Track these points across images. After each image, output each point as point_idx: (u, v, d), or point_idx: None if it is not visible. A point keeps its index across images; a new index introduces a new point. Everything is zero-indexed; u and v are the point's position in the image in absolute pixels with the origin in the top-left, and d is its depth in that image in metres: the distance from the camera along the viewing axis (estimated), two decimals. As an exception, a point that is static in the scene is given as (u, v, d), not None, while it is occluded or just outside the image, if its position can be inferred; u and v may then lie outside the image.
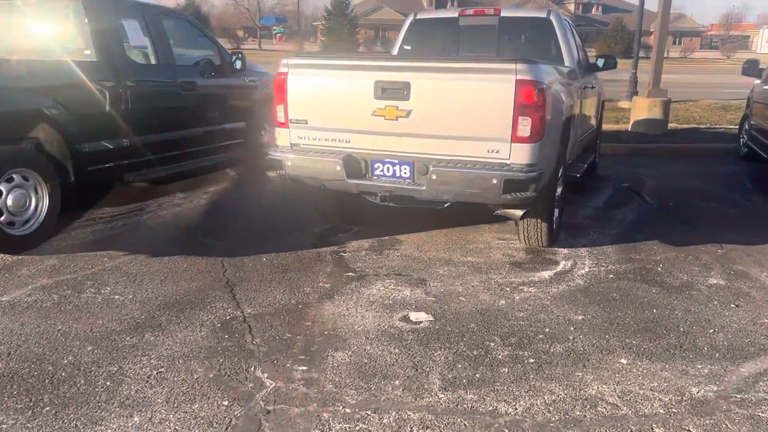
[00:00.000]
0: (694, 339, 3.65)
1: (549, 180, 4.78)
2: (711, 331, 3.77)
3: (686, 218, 6.34)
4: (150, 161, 6.02)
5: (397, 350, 3.44)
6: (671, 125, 12.16)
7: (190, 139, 6.52)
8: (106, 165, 5.61)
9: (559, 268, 4.82)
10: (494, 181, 4.25)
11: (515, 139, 4.27)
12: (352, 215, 5.79)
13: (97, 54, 5.55)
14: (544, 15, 6.18)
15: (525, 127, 4.23)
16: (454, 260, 4.94)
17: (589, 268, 4.82)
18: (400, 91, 4.45)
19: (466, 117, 4.36)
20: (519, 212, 4.63)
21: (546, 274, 4.69)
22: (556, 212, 5.32)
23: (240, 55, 7.34)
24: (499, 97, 4.25)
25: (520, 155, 4.30)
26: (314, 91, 4.76)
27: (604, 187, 7.77)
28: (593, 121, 7.66)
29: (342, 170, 4.62)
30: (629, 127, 12.03)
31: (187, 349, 3.42)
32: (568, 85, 5.37)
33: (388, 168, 4.66)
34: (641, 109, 11.70)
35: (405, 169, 4.61)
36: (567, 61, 6.08)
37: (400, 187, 4.55)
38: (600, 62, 7.58)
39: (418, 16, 6.73)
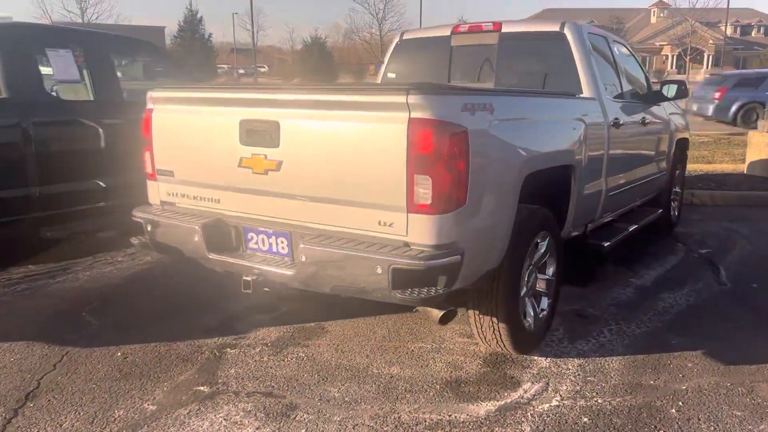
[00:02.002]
0: None
1: (494, 265, 3.22)
2: None
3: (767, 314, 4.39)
4: (74, 213, 5.10)
5: None
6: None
7: (126, 187, 5.54)
8: (13, 217, 4.74)
9: (514, 396, 3.21)
10: (378, 270, 2.78)
11: (411, 207, 2.79)
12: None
13: (5, 90, 4.73)
14: (556, 28, 4.57)
15: (424, 190, 2.74)
16: (369, 371, 3.47)
17: (561, 400, 3.17)
18: (268, 134, 3.13)
19: (348, 172, 2.95)
20: (437, 312, 3.09)
21: (485, 407, 3.10)
22: (532, 306, 3.69)
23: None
24: (386, 144, 2.81)
25: (420, 232, 2.81)
26: (179, 133, 3.55)
27: (672, 253, 5.85)
28: (656, 166, 5.82)
29: (201, 241, 3.35)
30: (745, 168, 9.71)
31: None
32: (557, 122, 3.76)
33: (263, 240, 3.34)
34: (759, 147, 9.38)
35: (282, 242, 3.26)
36: (587, 90, 4.43)
37: (272, 270, 3.19)
38: (669, 90, 5.78)
39: (405, 36, 5.35)
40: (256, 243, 3.34)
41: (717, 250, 5.94)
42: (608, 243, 4.66)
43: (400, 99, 2.71)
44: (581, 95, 4.43)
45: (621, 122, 4.66)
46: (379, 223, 2.90)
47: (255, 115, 3.17)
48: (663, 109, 5.99)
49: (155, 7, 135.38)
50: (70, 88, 5.40)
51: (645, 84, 5.89)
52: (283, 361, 3.60)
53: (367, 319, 4.14)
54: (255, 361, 3.60)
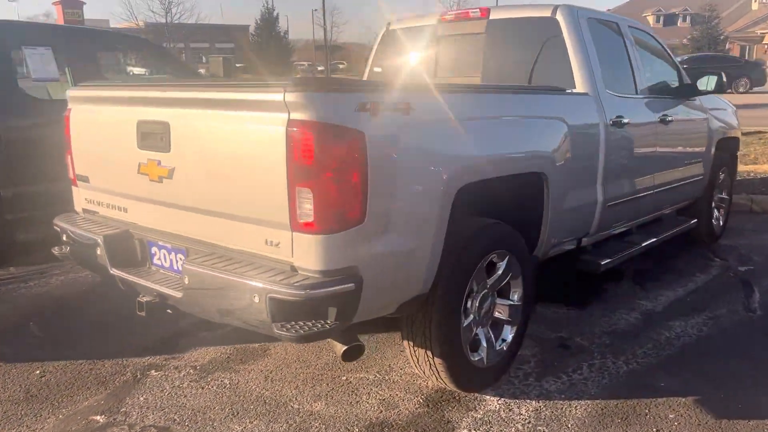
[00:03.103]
0: None
1: (421, 291, 2.73)
2: None
3: (794, 349, 3.67)
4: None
5: None
6: None
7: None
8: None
9: (439, 448, 2.71)
10: (255, 299, 2.37)
11: (295, 225, 2.35)
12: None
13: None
14: (548, 13, 3.97)
15: (306, 206, 2.30)
16: (288, 406, 3.05)
17: (493, 456, 2.65)
18: (159, 137, 2.77)
19: (233, 183, 2.54)
20: (340, 346, 2.62)
21: (399, 460, 2.62)
22: (485, 336, 3.16)
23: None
24: (266, 151, 2.38)
25: (306, 254, 2.37)
26: (91, 135, 3.24)
27: (703, 270, 5.10)
28: (689, 170, 5.10)
29: (104, 255, 3.03)
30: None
31: None
32: (519, 123, 3.20)
33: (165, 256, 2.98)
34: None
35: (181, 259, 2.89)
36: (580, 83, 3.83)
37: (164, 291, 2.83)
38: (706, 83, 5.08)
39: (392, 26, 4.86)
40: (159, 259, 2.99)
41: (761, 269, 5.15)
42: (608, 261, 4.05)
43: (277, 97, 2.27)
44: (572, 90, 3.83)
45: (626, 121, 4.01)
46: (266, 242, 2.48)
47: (148, 116, 2.81)
48: (699, 106, 5.24)
49: (239, 7, 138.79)
50: (60, 87, 5.24)
51: (676, 77, 5.17)
52: (203, 388, 3.24)
53: (321, 342, 3.72)
54: (172, 387, 3.25)
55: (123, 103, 2.98)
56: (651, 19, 72.70)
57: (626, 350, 3.62)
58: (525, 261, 3.29)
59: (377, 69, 4.88)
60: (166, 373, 3.40)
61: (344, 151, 2.29)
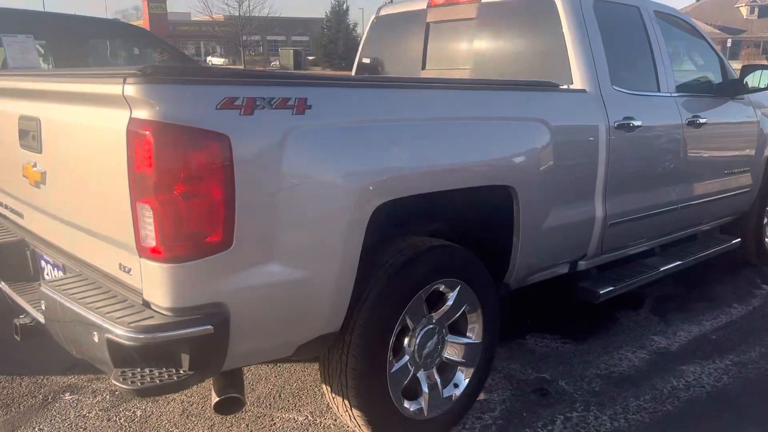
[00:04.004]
0: None
1: (330, 330, 2.23)
2: None
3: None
4: None
5: None
6: None
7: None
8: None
9: None
10: (95, 338, 1.93)
11: (141, 249, 1.89)
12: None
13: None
14: (545, -7, 3.36)
15: (149, 226, 1.84)
16: (191, 450, 2.62)
17: None
18: (32, 135, 2.38)
19: (87, 192, 2.12)
20: (214, 396, 2.15)
21: None
22: (428, 382, 2.62)
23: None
24: (107, 155, 1.94)
25: (153, 286, 1.91)
26: (-5, 130, 2.89)
27: (742, 300, 4.35)
28: (731, 181, 4.35)
29: (-7, 266, 2.68)
30: None
31: None
32: (476, 126, 2.62)
33: (50, 270, 2.59)
34: None
35: (60, 275, 2.49)
36: (579, 78, 3.21)
37: (35, 315, 2.44)
38: (758, 79, 4.36)
39: (382, 12, 4.34)
40: (48, 273, 2.61)
41: (815, 300, 4.34)
42: (609, 290, 3.41)
43: (115, 89, 1.82)
44: (567, 86, 3.21)
45: (637, 124, 3.36)
46: (120, 266, 2.04)
47: (25, 110, 2.42)
48: (749, 106, 4.48)
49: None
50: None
51: (720, 72, 4.42)
52: (109, 420, 2.84)
53: (267, 369, 3.28)
54: (77, 416, 2.88)
55: (6, 95, 2.60)
56: (744, 11, 68.48)
57: (616, 401, 2.99)
58: (486, 291, 2.73)
59: (366, 60, 4.37)
60: (80, 398, 3.03)
61: (199, 159, 1.81)
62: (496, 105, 2.74)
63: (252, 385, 3.13)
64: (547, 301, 4.12)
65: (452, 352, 2.72)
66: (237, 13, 50.80)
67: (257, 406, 2.95)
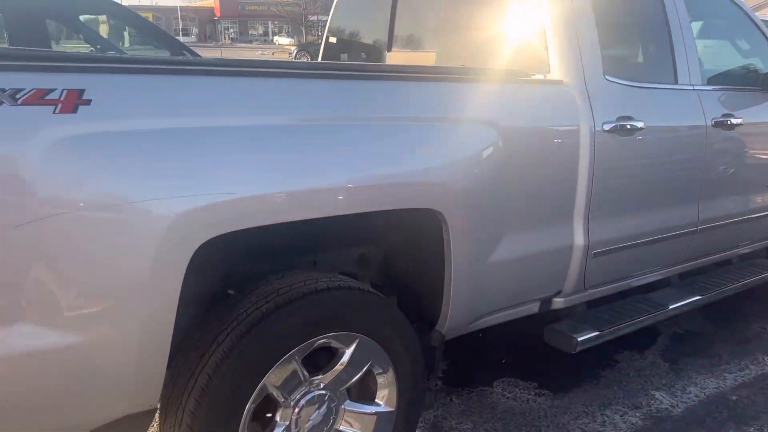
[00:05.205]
0: None
1: (140, 408, 1.65)
2: None
3: None
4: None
5: None
6: None
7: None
8: None
9: None
10: None
11: None
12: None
13: None
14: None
15: None
16: None
17: None
18: None
19: None
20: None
21: None
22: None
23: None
24: None
25: None
26: None
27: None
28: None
29: None
30: None
31: None
32: (378, 130, 1.95)
33: None
34: None
35: None
36: (557, 65, 2.48)
37: None
38: None
39: (349, -17, 3.67)
40: None
41: None
42: (589, 336, 2.68)
43: None
44: (544, 76, 2.49)
45: (638, 125, 2.61)
46: None
47: None
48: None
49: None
50: None
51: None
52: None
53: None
54: None
55: None
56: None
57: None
58: (401, 345, 2.08)
59: (333, 39, 3.72)
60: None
61: None
62: (410, 101, 2.05)
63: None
64: (530, 337, 3.41)
65: (351, 424, 2.08)
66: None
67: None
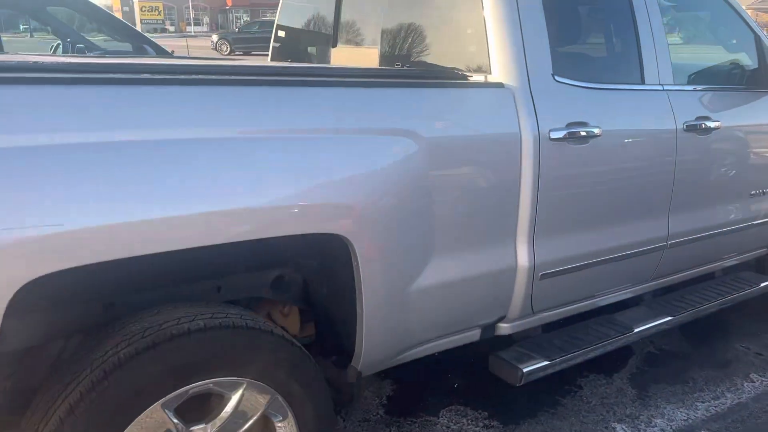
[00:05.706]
0: None
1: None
2: None
3: None
4: None
5: None
6: None
7: None
8: None
9: None
10: None
11: None
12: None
13: None
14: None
15: None
16: None
17: None
18: None
19: None
20: None
21: None
22: None
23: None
24: None
25: None
26: None
27: (766, 370, 3.23)
28: (755, 206, 3.22)
29: None
30: None
31: None
32: (272, 145, 1.68)
33: None
34: None
35: None
36: (498, 65, 2.20)
37: None
38: None
39: (295, -27, 3.39)
40: None
41: None
42: (536, 367, 2.41)
43: None
44: (485, 77, 2.22)
45: (594, 131, 2.33)
46: None
47: None
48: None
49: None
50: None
51: (756, 55, 3.24)
52: None
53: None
54: None
55: None
56: None
57: None
58: (300, 389, 1.82)
59: (281, 33, 3.46)
60: None
61: None
62: (307, 110, 1.78)
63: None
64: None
65: (245, 475, 1.83)
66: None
67: None
